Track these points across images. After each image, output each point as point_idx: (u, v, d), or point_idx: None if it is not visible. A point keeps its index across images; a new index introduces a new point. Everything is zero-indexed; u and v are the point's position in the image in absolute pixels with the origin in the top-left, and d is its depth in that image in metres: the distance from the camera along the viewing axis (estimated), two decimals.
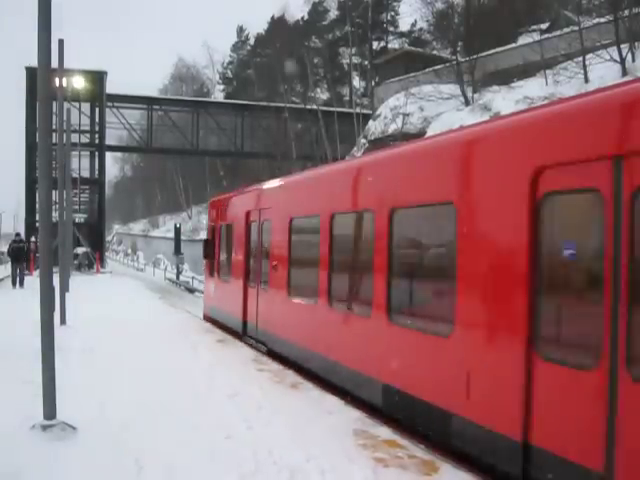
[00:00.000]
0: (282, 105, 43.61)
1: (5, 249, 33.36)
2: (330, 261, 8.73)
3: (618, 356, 4.14)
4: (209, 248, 15.64)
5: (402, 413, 6.79)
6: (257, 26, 65.73)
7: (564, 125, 4.87)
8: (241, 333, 12.78)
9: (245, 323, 12.64)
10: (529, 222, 4.98)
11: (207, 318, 16.04)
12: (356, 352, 7.83)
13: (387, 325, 7.07)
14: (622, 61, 21.73)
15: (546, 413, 4.75)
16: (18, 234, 26.60)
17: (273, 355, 10.72)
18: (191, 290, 30.65)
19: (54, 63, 17.09)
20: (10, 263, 24.84)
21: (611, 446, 4.15)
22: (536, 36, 29.02)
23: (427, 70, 35.13)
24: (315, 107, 43.34)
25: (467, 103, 29.29)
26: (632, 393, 4.01)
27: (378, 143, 29.43)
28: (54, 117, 19.40)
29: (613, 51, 21.95)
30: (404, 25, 54.80)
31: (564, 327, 4.96)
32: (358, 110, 42.44)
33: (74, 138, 33.82)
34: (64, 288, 14.34)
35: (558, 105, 5.62)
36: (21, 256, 24.28)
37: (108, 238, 71.65)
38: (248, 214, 12.81)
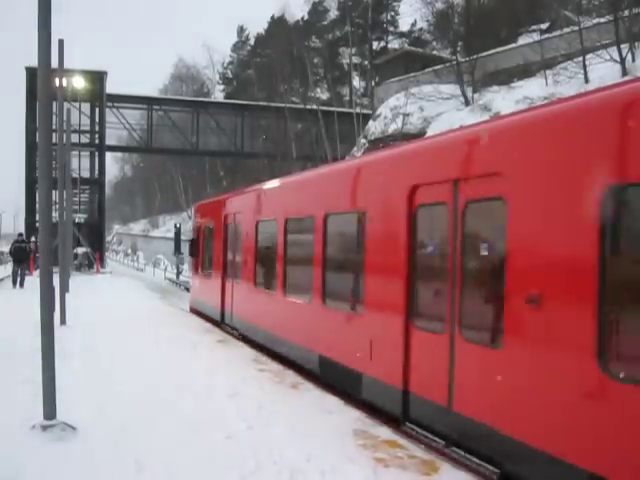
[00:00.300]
0: (282, 105, 43.60)
1: (5, 249, 33.36)
2: (285, 258, 10.58)
3: (455, 325, 5.97)
4: (194, 247, 17.92)
5: (332, 377, 8.58)
6: (257, 26, 65.78)
7: (428, 158, 6.88)
8: (219, 321, 14.57)
9: (223, 313, 14.44)
10: (408, 227, 6.80)
11: (192, 310, 17.95)
12: (303, 331, 9.74)
13: (322, 309, 9.01)
14: (622, 61, 21.74)
15: (417, 367, 6.62)
16: (21, 234, 26.53)
17: (244, 339, 12.54)
18: None
19: (54, 63, 17.09)
20: (12, 263, 24.77)
21: (451, 388, 6.01)
22: (536, 36, 29.03)
23: (427, 70, 35.14)
24: (315, 107, 43.35)
25: (467, 103, 29.30)
26: (463, 350, 5.89)
27: (378, 143, 29.45)
28: (54, 117, 19.41)
29: (613, 51, 21.96)
30: (404, 25, 54.90)
31: (428, 305, 6.80)
32: (358, 110, 42.44)
33: (74, 138, 33.86)
34: (64, 288, 14.34)
35: (425, 142, 8.44)
36: (23, 256, 24.22)
37: (108, 238, 71.67)
38: (225, 217, 14.76)
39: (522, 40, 31.74)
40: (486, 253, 5.87)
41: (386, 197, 7.38)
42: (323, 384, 8.65)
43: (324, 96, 52.85)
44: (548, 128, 5.16)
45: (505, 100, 24.87)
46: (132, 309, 17.78)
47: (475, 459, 5.62)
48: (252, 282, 12.35)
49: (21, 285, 23.31)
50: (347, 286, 8.80)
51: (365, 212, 7.83)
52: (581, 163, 4.69)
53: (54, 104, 18.83)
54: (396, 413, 6.88)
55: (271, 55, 51.53)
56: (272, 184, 12.47)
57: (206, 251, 17.00)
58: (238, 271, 13.40)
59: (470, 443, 5.76)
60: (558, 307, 4.80)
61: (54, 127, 18.53)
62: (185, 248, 22.03)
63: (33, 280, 17.71)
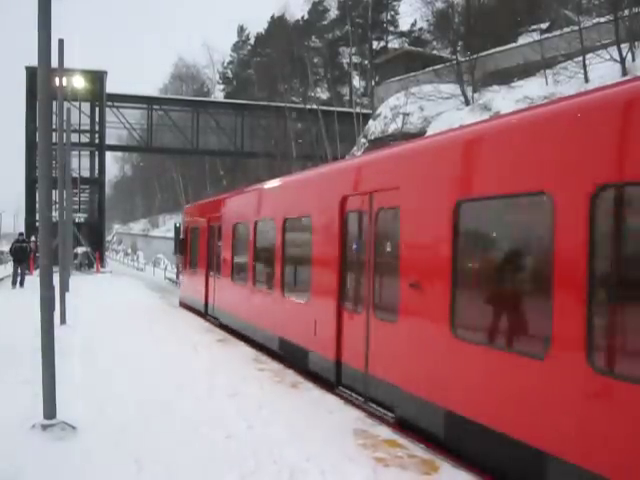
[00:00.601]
0: (282, 105, 43.59)
1: (5, 248, 33.25)
2: (256, 255, 12.48)
3: (370, 306, 7.71)
4: (182, 246, 19.83)
5: (287, 354, 10.30)
6: (257, 26, 65.75)
7: (354, 175, 8.65)
8: (204, 313, 16.27)
9: (207, 305, 16.21)
10: (340, 230, 8.51)
11: (182, 304, 19.29)
12: (267, 317, 11.45)
13: (282, 298, 10.69)
14: (622, 61, 21.73)
15: (346, 342, 8.30)
16: (21, 234, 26.42)
17: (222, 327, 14.29)
18: None
19: (54, 63, 17.09)
20: (12, 262, 24.71)
21: (367, 356, 7.67)
22: (536, 36, 29.01)
23: (427, 70, 35.13)
24: (315, 107, 43.34)
25: (467, 103, 29.29)
26: (375, 325, 7.60)
27: (378, 142, 29.44)
28: (54, 117, 19.41)
29: (613, 51, 21.95)
30: (404, 25, 54.87)
31: (353, 291, 8.41)
32: (358, 110, 42.42)
33: (74, 138, 33.85)
34: (64, 288, 14.34)
35: (352, 162, 10.94)
36: (23, 256, 24.16)
37: (108, 238, 71.64)
38: (209, 220, 16.51)
39: (522, 40, 31.72)
40: (389, 250, 7.46)
41: (325, 204, 9.05)
42: (319, 381, 8.69)
43: (324, 96, 52.84)
44: (417, 158, 7.15)
45: (505, 100, 24.87)
46: (132, 308, 17.79)
47: (373, 405, 7.48)
48: (229, 277, 14.24)
49: (21, 285, 23.29)
50: (299, 278, 10.55)
51: (310, 217, 9.59)
52: (436, 185, 6.45)
53: (54, 104, 18.82)
54: (331, 379, 8.53)
55: (271, 55, 51.49)
56: (246, 191, 14.50)
57: (193, 250, 18.67)
58: (219, 268, 15.19)
59: (378, 397, 7.46)
60: (429, 290, 6.43)
61: (54, 127, 18.52)
62: None
63: (33, 280, 17.71)
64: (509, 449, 5.19)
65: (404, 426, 6.73)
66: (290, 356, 10.15)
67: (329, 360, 8.60)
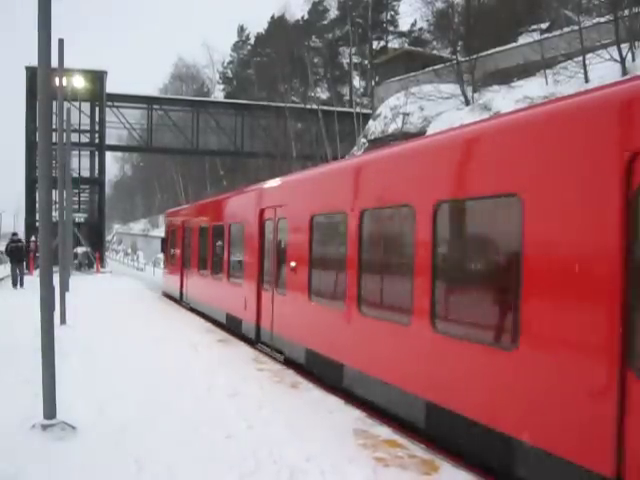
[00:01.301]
0: (282, 105, 43.59)
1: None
2: (213, 251, 16.16)
3: (274, 285, 10.97)
4: (164, 245, 23.62)
5: (231, 325, 13.89)
6: (257, 26, 65.72)
7: (267, 193, 12.17)
8: (179, 300, 19.90)
9: (182, 294, 19.79)
10: (260, 232, 12.03)
11: (164, 294, 22.97)
12: (220, 299, 15.15)
13: (227, 283, 14.51)
14: (622, 61, 21.73)
15: (261, 311, 11.73)
16: (15, 234, 25.74)
17: (194, 311, 17.55)
18: None
19: (54, 63, 17.08)
20: (9, 263, 24.32)
21: (273, 320, 10.95)
22: (536, 36, 29.01)
23: (427, 70, 35.10)
24: (315, 107, 43.33)
25: (467, 103, 29.29)
26: (276, 298, 10.93)
27: (378, 142, 29.43)
28: (54, 117, 19.39)
29: (613, 50, 21.95)
30: (404, 25, 54.88)
31: (266, 276, 11.69)
32: (358, 110, 42.42)
33: (74, 138, 33.86)
34: (64, 288, 14.35)
35: (265, 185, 12.70)
36: (20, 256, 23.83)
37: (108, 238, 71.64)
38: (183, 222, 20.31)
39: (522, 40, 31.70)
40: (283, 246, 10.90)
41: (252, 214, 12.54)
42: (319, 382, 8.72)
43: (324, 96, 52.85)
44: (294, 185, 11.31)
45: (505, 100, 24.86)
46: (132, 308, 17.80)
47: (267, 349, 11.20)
48: (196, 269, 17.90)
49: (21, 285, 23.13)
50: (236, 267, 14.14)
51: (244, 223, 13.30)
52: (302, 204, 10.16)
53: (54, 103, 18.81)
54: (251, 337, 12.23)
55: (271, 55, 51.49)
56: (210, 200, 19.37)
57: (172, 248, 22.20)
58: (189, 262, 18.97)
59: (276, 347, 10.90)
60: (298, 272, 9.86)
61: (54, 126, 18.50)
62: None
63: (33, 280, 17.70)
64: (339, 371, 8.38)
65: (288, 362, 10.13)
66: (231, 325, 13.88)
67: (252, 324, 12.22)
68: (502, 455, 5.24)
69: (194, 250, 18.24)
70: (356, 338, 7.92)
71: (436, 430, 6.22)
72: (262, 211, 11.86)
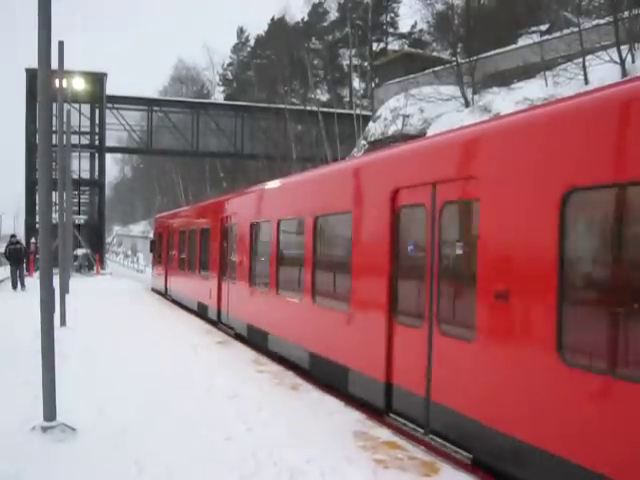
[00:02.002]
0: (282, 106, 43.59)
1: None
2: (187, 251, 19.69)
3: (228, 276, 14.64)
4: (153, 246, 27.35)
5: (201, 311, 16.87)
6: (257, 27, 65.73)
7: (225, 204, 15.66)
8: (164, 294, 23.33)
9: (166, 289, 23.12)
10: (221, 235, 15.34)
11: (153, 289, 26.43)
12: (193, 290, 18.42)
13: (198, 276, 17.76)
14: (622, 62, 21.73)
15: (221, 297, 15.00)
16: (14, 235, 25.59)
17: (174, 302, 21.23)
18: None
19: (54, 64, 17.09)
20: (9, 265, 24.13)
21: (228, 305, 14.44)
22: (536, 37, 29.02)
23: (427, 71, 35.09)
24: (315, 108, 43.34)
25: (467, 104, 29.29)
26: (233, 287, 14.16)
27: (378, 144, 29.43)
28: (54, 118, 19.39)
29: (613, 52, 21.94)
30: (404, 26, 54.83)
31: (227, 270, 14.84)
32: (358, 111, 42.42)
33: (74, 139, 33.80)
34: (64, 289, 14.35)
35: (217, 200, 17.54)
36: (19, 258, 23.60)
37: (108, 240, 71.60)
38: (167, 227, 24.03)
39: (522, 41, 31.72)
40: (234, 245, 14.09)
41: (215, 221, 15.92)
42: (319, 382, 8.73)
43: (324, 97, 52.86)
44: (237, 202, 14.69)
45: (505, 101, 24.86)
46: (132, 310, 17.80)
47: (231, 330, 13.98)
48: (176, 267, 21.66)
49: (22, 286, 22.98)
50: (203, 263, 17.22)
51: (209, 228, 16.70)
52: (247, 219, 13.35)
53: (54, 105, 18.82)
54: (215, 319, 15.22)
55: (271, 56, 51.50)
56: (181, 210, 24.80)
57: (159, 249, 25.68)
58: (171, 261, 22.64)
59: (234, 329, 13.55)
60: (243, 265, 13.15)
61: (54, 128, 18.52)
62: None
63: (33, 282, 17.69)
64: (265, 337, 11.38)
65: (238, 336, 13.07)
66: (202, 312, 16.90)
67: (215, 308, 15.39)
68: (342, 378, 8.15)
69: (174, 250, 22.23)
70: (274, 313, 11.20)
71: (312, 368, 9.30)
72: (222, 219, 15.34)
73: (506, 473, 5.28)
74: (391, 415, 7.10)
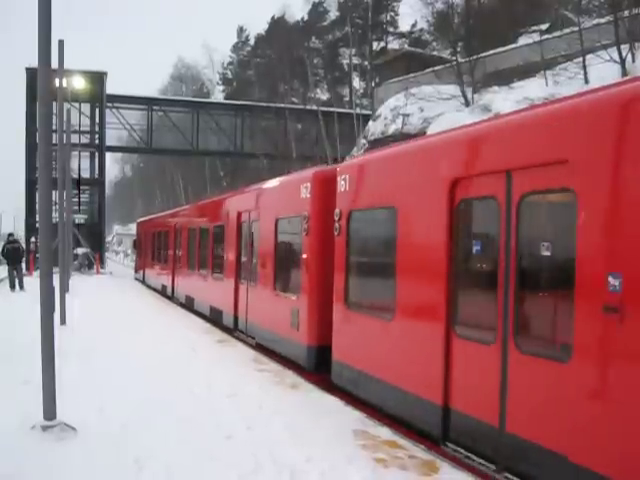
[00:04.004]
0: (282, 106, 43.57)
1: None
2: (160, 249, 24.81)
3: (196, 267, 18.20)
4: (136, 245, 34.26)
5: (163, 292, 23.18)
6: (257, 26, 65.74)
7: (169, 217, 23.92)
8: (142, 281, 29.69)
9: (144, 277, 29.77)
10: (173, 238, 22.16)
11: (135, 279, 32.83)
12: (164, 278, 23.16)
13: (169, 268, 22.45)
14: (622, 61, 21.71)
15: (194, 289, 18.52)
16: (11, 234, 25.02)
17: (149, 287, 27.27)
18: None
19: (54, 64, 17.07)
20: (7, 265, 23.47)
21: (198, 292, 18.30)
22: (536, 37, 28.95)
23: (427, 71, 35.07)
24: (315, 108, 43.32)
25: (467, 104, 29.27)
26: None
27: (378, 143, 29.41)
28: (54, 117, 19.37)
29: (613, 52, 21.92)
30: (404, 26, 54.76)
31: (179, 264, 20.94)
32: (358, 110, 42.38)
33: (74, 138, 33.79)
34: (64, 288, 14.34)
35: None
36: (17, 257, 23.05)
37: (108, 239, 71.61)
38: (150, 228, 28.71)
39: (522, 40, 31.68)
40: (188, 242, 19.23)
41: (171, 228, 22.00)
42: (312, 377, 8.73)
43: (324, 96, 52.82)
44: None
45: (505, 101, 24.84)
46: (131, 309, 17.80)
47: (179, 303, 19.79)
48: (150, 260, 27.26)
49: (20, 287, 22.43)
50: (169, 258, 22.09)
51: (168, 231, 22.36)
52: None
53: (54, 104, 18.81)
54: (188, 305, 18.07)
55: (271, 56, 51.46)
56: (162, 214, 28.02)
57: (142, 248, 31.19)
58: (150, 257, 27.87)
59: (198, 310, 17.04)
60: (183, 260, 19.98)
61: (54, 127, 18.48)
62: None
63: (33, 281, 17.68)
64: (241, 322, 13.07)
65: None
66: (163, 291, 21.83)
67: (184, 294, 19.40)
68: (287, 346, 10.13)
69: (153, 249, 27.22)
70: (251, 302, 12.49)
71: (262, 340, 11.39)
72: (174, 225, 21.35)
73: None
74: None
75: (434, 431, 6.16)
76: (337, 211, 8.41)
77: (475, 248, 5.93)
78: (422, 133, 27.12)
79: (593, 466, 4.29)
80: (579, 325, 4.56)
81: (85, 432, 6.20)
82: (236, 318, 13.24)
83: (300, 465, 5.51)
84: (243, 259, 13.29)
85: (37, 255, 8.22)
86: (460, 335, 5.88)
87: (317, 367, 9.16)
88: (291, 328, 9.78)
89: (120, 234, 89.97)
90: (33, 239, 32.20)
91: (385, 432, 6.57)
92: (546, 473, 4.78)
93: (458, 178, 5.96)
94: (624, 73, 21.00)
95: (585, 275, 4.54)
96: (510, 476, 5.18)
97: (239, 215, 13.44)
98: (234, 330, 13.27)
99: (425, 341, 6.36)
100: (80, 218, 39.76)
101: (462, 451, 5.76)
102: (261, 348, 11.47)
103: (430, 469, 5.53)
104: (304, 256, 9.50)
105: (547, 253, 5.07)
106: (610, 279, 4.31)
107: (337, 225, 8.37)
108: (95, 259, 37.32)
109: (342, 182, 8.35)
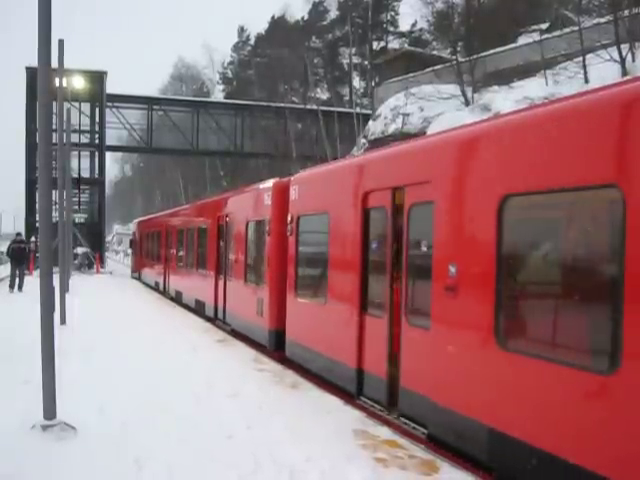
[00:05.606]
0: (282, 105, 43.55)
1: (5, 248, 31.86)
2: (148, 247, 28.77)
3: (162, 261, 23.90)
4: (132, 244, 36.01)
5: (153, 285, 26.43)
6: (257, 26, 65.73)
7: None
8: (138, 279, 31.69)
9: (139, 275, 31.73)
10: (165, 238, 24.37)
11: (132, 277, 34.42)
12: (153, 273, 26.71)
13: (159, 265, 25.05)
14: (622, 61, 21.71)
15: (166, 280, 23.37)
16: (19, 234, 24.60)
17: (145, 284, 29.41)
18: None
19: (54, 63, 17.07)
20: (10, 264, 22.92)
21: (166, 282, 23.55)
22: (536, 36, 28.93)
23: (427, 70, 35.06)
24: (315, 107, 43.31)
25: (467, 103, 29.26)
26: (171, 269, 22.93)
27: (378, 143, 29.41)
28: (54, 117, 19.36)
29: (613, 51, 21.91)
30: (404, 25, 54.74)
31: (171, 262, 22.94)
32: (358, 110, 42.39)
33: (74, 138, 33.79)
34: (64, 288, 14.35)
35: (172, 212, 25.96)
36: (22, 257, 22.48)
37: (108, 238, 71.62)
38: (144, 228, 31.13)
39: (522, 40, 31.66)
40: (177, 241, 21.57)
41: (162, 230, 24.37)
42: (307, 373, 8.75)
43: (324, 96, 52.80)
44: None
45: (505, 100, 24.83)
46: (131, 309, 17.80)
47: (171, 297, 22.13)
48: (145, 259, 29.61)
49: (19, 289, 21.89)
50: (161, 257, 24.28)
51: (160, 233, 24.84)
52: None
53: (54, 104, 18.81)
54: (177, 299, 20.21)
55: (271, 55, 51.45)
56: (153, 216, 31.57)
57: (138, 246, 33.12)
58: (145, 256, 29.85)
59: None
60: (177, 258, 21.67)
61: (54, 127, 18.47)
62: None
63: (32, 281, 17.64)
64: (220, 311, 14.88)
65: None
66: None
67: (156, 282, 24.73)
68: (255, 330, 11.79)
69: (143, 249, 30.35)
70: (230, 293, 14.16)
71: (237, 327, 13.01)
72: (165, 226, 22.94)
73: None
74: None
75: (352, 389, 7.85)
76: (289, 216, 10.24)
77: (373, 246, 7.75)
78: (422, 133, 27.11)
79: (441, 401, 5.93)
80: (433, 300, 6.15)
81: (85, 432, 6.20)
82: (216, 308, 15.05)
83: (300, 465, 5.51)
84: (221, 256, 15.16)
85: (37, 254, 8.21)
86: (367, 312, 7.68)
87: (277, 346, 10.87)
88: (257, 315, 11.58)
89: (120, 234, 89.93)
90: (33, 239, 32.12)
91: (385, 431, 6.58)
92: (423, 412, 6.35)
93: (367, 192, 7.72)
94: (624, 72, 21.00)
95: (436, 264, 6.13)
96: (405, 420, 6.74)
97: (219, 218, 15.45)
98: (214, 319, 15.15)
99: (345, 318, 8.10)
100: (80, 218, 39.76)
101: (374, 405, 7.39)
102: (237, 334, 13.23)
103: (430, 469, 5.53)
104: (266, 253, 11.34)
105: (416, 251, 6.71)
106: (450, 267, 5.82)
107: (289, 227, 10.18)
108: (95, 259, 37.33)
109: (293, 191, 10.19)
